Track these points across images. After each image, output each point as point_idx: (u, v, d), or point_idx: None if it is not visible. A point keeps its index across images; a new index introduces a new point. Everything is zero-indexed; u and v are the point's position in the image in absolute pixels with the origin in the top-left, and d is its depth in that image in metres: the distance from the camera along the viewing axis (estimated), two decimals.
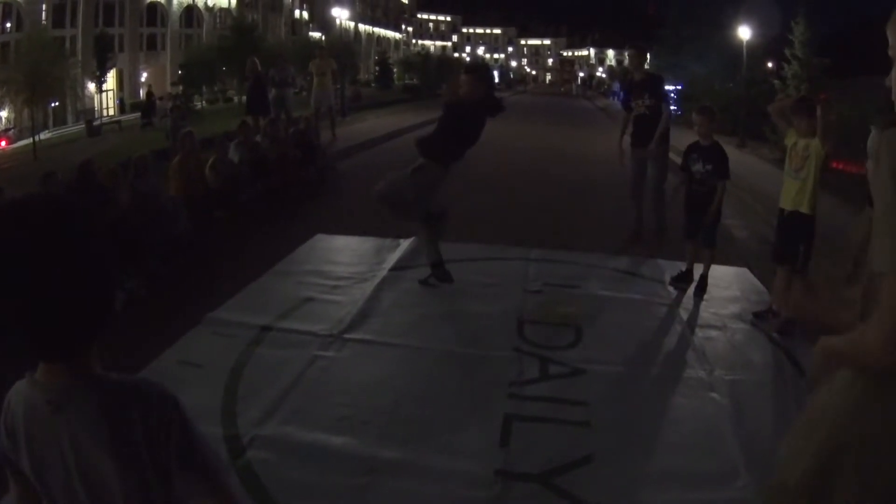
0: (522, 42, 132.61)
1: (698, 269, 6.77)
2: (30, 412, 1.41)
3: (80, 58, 40.71)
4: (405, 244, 7.83)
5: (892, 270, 1.61)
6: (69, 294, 1.30)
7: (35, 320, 1.30)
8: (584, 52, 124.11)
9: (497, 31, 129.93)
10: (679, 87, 35.04)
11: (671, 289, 6.85)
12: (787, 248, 5.88)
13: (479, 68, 7.21)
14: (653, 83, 8.69)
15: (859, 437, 1.80)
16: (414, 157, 6.16)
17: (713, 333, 5.84)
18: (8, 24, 41.46)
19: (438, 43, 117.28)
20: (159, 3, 52.19)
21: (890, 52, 1.67)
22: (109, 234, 1.41)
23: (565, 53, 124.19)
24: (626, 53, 10.07)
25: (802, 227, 5.76)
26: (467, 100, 6.16)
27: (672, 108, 8.61)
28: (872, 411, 1.78)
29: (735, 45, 25.64)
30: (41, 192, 6.37)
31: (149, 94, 42.57)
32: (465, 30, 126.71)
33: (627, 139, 8.78)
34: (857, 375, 1.81)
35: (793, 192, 5.79)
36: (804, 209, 5.71)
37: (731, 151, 6.67)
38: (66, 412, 1.38)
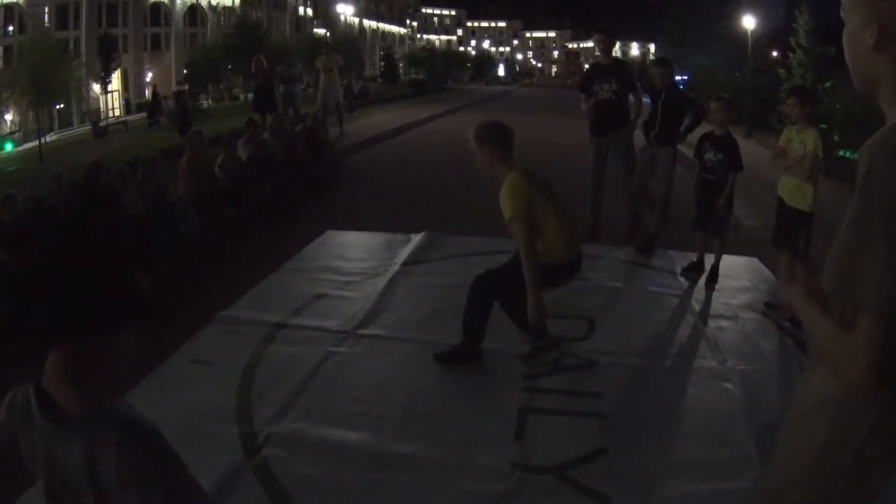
0: (528, 35, 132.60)
1: (709, 260, 6.77)
2: (28, 422, 1.45)
3: (84, 59, 40.83)
4: (416, 239, 7.84)
5: (869, 312, 1.55)
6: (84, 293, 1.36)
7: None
8: (590, 44, 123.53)
9: (502, 24, 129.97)
10: (685, 78, 34.94)
11: (682, 279, 6.84)
12: (787, 236, 5.89)
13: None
14: (620, 69, 8.31)
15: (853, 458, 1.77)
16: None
17: (725, 324, 5.82)
18: (10, 28, 41.64)
19: (443, 37, 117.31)
20: (163, 2, 52.27)
21: (842, 13, 1.73)
22: (114, 243, 1.44)
23: (570, 45, 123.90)
24: (593, 39, 9.51)
25: (801, 222, 5.81)
26: None
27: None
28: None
29: (739, 35, 25.57)
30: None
31: (154, 93, 42.56)
32: (469, 24, 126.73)
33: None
34: (847, 401, 1.74)
35: (790, 187, 5.86)
36: (803, 206, 5.75)
37: (739, 141, 6.65)
38: (63, 432, 1.42)
